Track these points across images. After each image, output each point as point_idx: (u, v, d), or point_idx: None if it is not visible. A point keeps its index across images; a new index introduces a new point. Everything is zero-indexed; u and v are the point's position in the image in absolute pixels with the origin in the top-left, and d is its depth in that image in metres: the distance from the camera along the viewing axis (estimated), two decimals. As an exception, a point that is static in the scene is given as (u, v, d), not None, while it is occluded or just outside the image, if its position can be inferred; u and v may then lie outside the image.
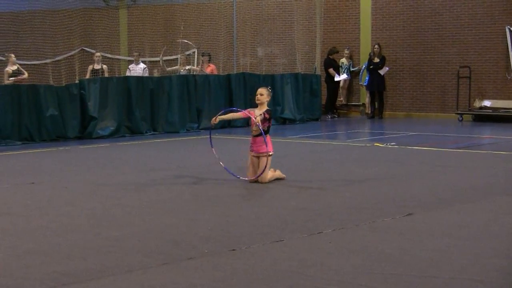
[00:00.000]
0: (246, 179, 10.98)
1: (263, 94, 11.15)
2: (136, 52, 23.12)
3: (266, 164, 10.83)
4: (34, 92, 17.14)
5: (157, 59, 24.55)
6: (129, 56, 24.04)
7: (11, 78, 18.69)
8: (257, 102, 11.19)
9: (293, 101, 22.23)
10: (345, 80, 24.63)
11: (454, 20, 23.12)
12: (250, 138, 11.35)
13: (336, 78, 23.98)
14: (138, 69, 22.12)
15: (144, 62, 23.06)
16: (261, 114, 11.04)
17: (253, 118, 11.00)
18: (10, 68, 19.00)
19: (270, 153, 11.00)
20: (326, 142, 17.13)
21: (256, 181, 10.91)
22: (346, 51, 24.66)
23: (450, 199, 9.63)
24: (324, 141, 17.35)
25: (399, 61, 24.06)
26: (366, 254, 6.84)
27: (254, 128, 11.13)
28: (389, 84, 24.02)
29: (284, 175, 11.22)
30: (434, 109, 23.72)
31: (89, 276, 6.23)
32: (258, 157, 11.03)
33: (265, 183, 10.81)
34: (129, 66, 22.59)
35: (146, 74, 21.73)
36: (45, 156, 14.92)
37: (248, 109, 11.47)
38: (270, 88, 11.50)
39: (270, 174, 10.99)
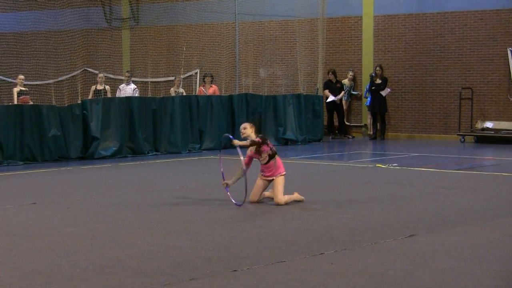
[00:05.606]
0: (239, 204, 10.64)
1: (246, 128, 10.91)
2: (127, 72, 22.77)
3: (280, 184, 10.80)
4: (37, 112, 17.16)
5: (159, 79, 24.59)
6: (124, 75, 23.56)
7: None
8: (242, 137, 10.96)
9: (295, 122, 22.22)
10: (345, 101, 24.62)
11: (456, 42, 23.17)
12: (260, 165, 11.09)
13: (329, 99, 23.97)
14: (128, 89, 21.70)
15: (134, 82, 22.78)
16: (248, 141, 10.77)
17: (244, 157, 10.81)
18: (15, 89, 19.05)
19: (283, 173, 10.97)
20: (328, 163, 17.12)
21: (257, 202, 10.90)
22: (351, 73, 24.66)
23: (453, 220, 9.61)
24: (326, 162, 17.34)
25: (401, 82, 24.09)
26: (368, 276, 6.83)
27: (262, 156, 10.94)
28: (391, 105, 24.04)
29: (302, 197, 11.06)
30: (436, 131, 23.72)
31: (91, 297, 6.23)
32: (270, 181, 10.99)
33: (281, 205, 10.75)
34: (120, 86, 22.19)
35: (137, 94, 21.31)
36: (47, 176, 14.92)
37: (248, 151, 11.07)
38: (252, 119, 11.22)
39: (286, 196, 10.91)
